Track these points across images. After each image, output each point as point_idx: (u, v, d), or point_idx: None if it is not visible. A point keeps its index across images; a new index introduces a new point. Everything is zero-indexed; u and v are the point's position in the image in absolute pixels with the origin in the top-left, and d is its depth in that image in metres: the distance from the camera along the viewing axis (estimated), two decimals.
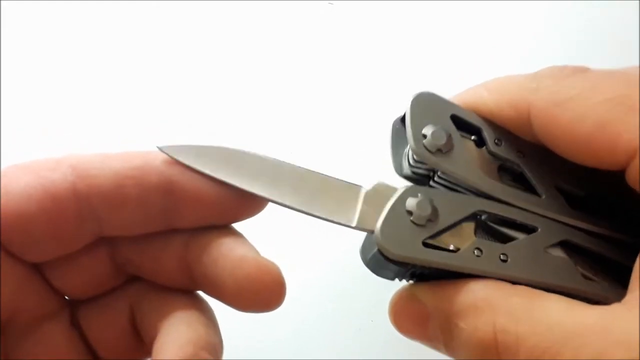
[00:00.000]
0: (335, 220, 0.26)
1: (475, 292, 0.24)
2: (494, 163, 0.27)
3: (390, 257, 0.25)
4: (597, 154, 0.24)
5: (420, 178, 0.27)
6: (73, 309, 0.27)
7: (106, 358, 0.27)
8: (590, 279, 0.25)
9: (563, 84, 0.24)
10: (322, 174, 0.26)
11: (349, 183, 0.26)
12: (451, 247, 0.25)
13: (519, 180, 0.27)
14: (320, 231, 0.39)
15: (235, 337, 0.28)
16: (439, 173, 0.26)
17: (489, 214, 0.26)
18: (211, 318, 0.26)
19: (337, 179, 0.26)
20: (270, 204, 0.26)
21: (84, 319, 0.27)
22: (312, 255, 0.40)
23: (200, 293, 0.27)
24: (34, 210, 0.24)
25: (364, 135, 0.42)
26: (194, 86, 0.45)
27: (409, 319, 0.26)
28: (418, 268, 0.25)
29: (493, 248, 0.25)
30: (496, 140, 0.27)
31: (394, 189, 0.26)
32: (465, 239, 0.25)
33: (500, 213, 0.26)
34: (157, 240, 0.26)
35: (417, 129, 0.26)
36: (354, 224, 0.26)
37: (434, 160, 0.26)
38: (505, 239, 0.26)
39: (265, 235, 0.29)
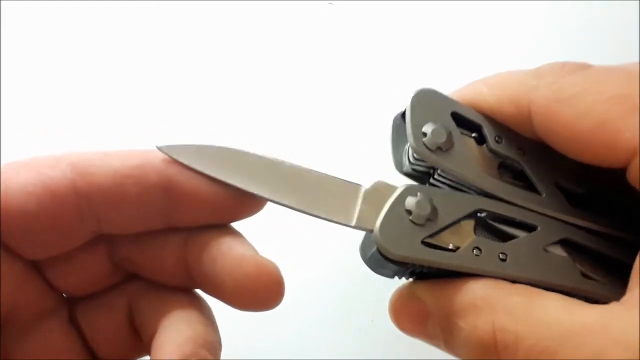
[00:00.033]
0: (334, 219, 0.26)
1: (475, 291, 0.24)
2: (495, 161, 0.27)
3: (390, 256, 0.25)
4: (597, 152, 0.24)
5: (420, 175, 0.27)
6: (71, 306, 0.27)
7: (104, 355, 0.27)
8: (590, 278, 0.25)
9: (564, 81, 0.24)
10: (322, 173, 0.26)
11: (349, 182, 0.26)
12: (450, 246, 0.25)
13: (520, 178, 0.27)
14: (320, 231, 0.39)
15: (234, 337, 0.29)
16: (439, 171, 0.26)
17: (489, 212, 0.26)
18: (210, 316, 0.26)
19: (337, 178, 0.26)
20: (269, 203, 0.26)
21: (82, 316, 0.27)
22: (312, 255, 0.40)
23: (199, 291, 0.27)
24: (34, 207, 0.24)
25: (364, 135, 0.42)
26: (194, 86, 0.45)
27: (409, 317, 0.26)
28: (417, 267, 0.25)
29: (492, 247, 0.25)
30: (496, 138, 0.26)
31: (394, 188, 0.26)
32: (464, 238, 0.25)
33: (500, 211, 0.26)
34: (156, 238, 0.26)
35: (417, 126, 0.26)
36: (353, 223, 0.26)
37: (433, 159, 0.26)
38: (505, 237, 0.26)
39: (265, 235, 0.29)
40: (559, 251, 0.26)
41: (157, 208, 0.25)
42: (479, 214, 0.26)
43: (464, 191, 0.26)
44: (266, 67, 0.46)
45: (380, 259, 0.25)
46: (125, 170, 0.25)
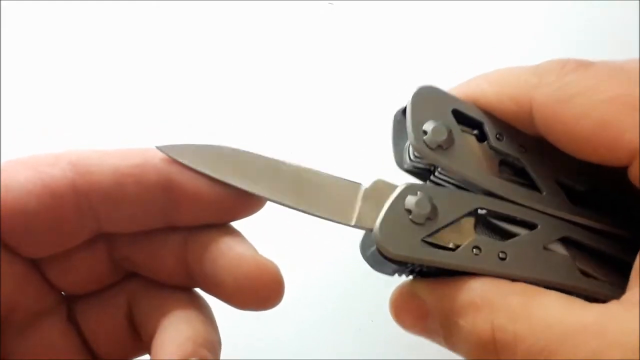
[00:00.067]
0: (333, 218, 0.26)
1: (474, 291, 0.24)
2: (495, 158, 0.27)
3: (389, 256, 0.25)
4: (598, 152, 0.24)
5: (421, 172, 0.27)
6: (70, 305, 0.27)
7: (104, 355, 0.27)
8: (590, 276, 0.25)
9: (566, 80, 0.24)
10: (321, 172, 0.26)
11: (348, 181, 0.26)
12: (450, 245, 0.25)
13: (520, 175, 0.27)
14: (320, 231, 0.39)
15: (234, 336, 0.29)
16: (439, 169, 0.26)
17: (489, 210, 0.26)
18: (209, 316, 0.26)
19: (336, 177, 0.26)
20: (269, 203, 0.26)
21: (81, 315, 0.27)
22: (312, 255, 0.40)
23: (199, 291, 0.27)
24: (33, 206, 0.24)
25: (364, 134, 0.42)
26: (194, 86, 0.45)
27: (409, 314, 0.26)
28: (417, 266, 0.25)
29: (492, 246, 0.25)
30: (497, 135, 0.26)
31: (394, 187, 0.26)
32: (465, 236, 0.25)
33: (500, 210, 0.26)
34: (155, 237, 0.26)
35: (417, 124, 0.26)
36: (352, 223, 0.26)
37: (434, 157, 0.26)
38: (506, 235, 0.26)
39: (265, 235, 0.29)
40: (559, 249, 0.26)
41: (156, 207, 0.25)
42: (479, 211, 0.26)
43: (465, 189, 0.26)
44: (266, 67, 0.46)
45: (379, 258, 0.25)
46: (125, 169, 0.25)
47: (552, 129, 0.25)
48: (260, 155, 0.26)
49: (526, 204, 0.26)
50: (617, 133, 0.23)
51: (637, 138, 0.23)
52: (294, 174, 0.26)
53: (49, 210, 0.24)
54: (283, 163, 0.26)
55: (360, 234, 0.26)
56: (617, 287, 0.24)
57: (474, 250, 0.25)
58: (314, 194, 0.26)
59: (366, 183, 0.26)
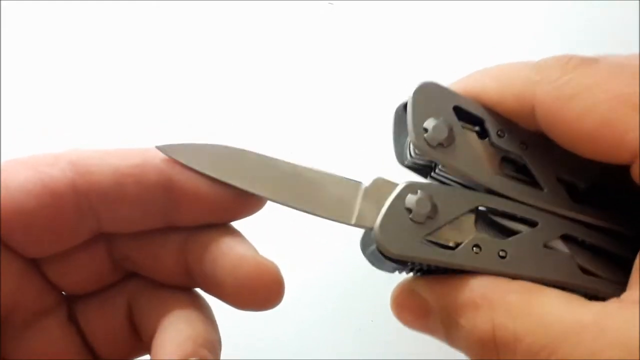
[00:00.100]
0: (334, 217, 0.26)
1: (473, 290, 0.24)
2: (497, 155, 0.26)
3: (389, 255, 0.25)
4: (600, 151, 0.24)
5: (421, 168, 0.27)
6: (70, 304, 0.27)
7: (104, 354, 0.27)
8: (591, 273, 0.25)
9: (569, 77, 0.24)
10: (321, 171, 0.26)
11: (348, 179, 0.26)
12: (450, 244, 0.25)
13: (522, 172, 0.27)
14: (320, 231, 0.39)
15: (234, 336, 0.28)
16: (440, 166, 0.26)
17: (489, 208, 0.26)
18: (209, 315, 0.26)
19: (336, 176, 0.26)
20: (269, 202, 0.26)
21: (81, 314, 0.27)
22: (312, 255, 0.40)
23: (199, 290, 0.27)
24: (33, 205, 0.24)
25: (364, 134, 0.42)
26: (194, 86, 0.45)
27: (411, 312, 0.26)
28: (417, 264, 0.25)
29: (492, 244, 0.25)
30: (499, 132, 0.26)
31: (394, 185, 0.26)
32: (465, 233, 0.25)
33: (501, 208, 0.26)
34: (155, 237, 0.26)
35: (418, 122, 0.25)
36: (353, 222, 0.26)
37: (434, 155, 0.25)
38: (506, 232, 0.26)
39: (265, 235, 0.29)
40: (560, 247, 0.25)
41: (156, 207, 0.25)
42: (479, 209, 0.26)
43: (466, 186, 0.26)
44: (266, 67, 0.46)
45: (379, 257, 0.25)
46: (125, 169, 0.25)
47: (554, 127, 0.25)
48: (260, 155, 0.26)
49: (527, 201, 0.26)
50: (620, 132, 0.23)
51: (639, 137, 0.23)
52: (294, 173, 0.26)
53: (49, 210, 0.24)
54: (283, 162, 0.26)
55: (360, 233, 0.26)
56: (617, 284, 0.24)
57: (474, 248, 0.25)
58: (314, 193, 0.26)
59: (366, 181, 0.26)
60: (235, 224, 0.27)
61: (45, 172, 0.24)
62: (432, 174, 0.27)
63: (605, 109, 0.23)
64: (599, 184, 0.27)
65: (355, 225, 0.26)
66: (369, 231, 0.26)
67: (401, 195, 0.25)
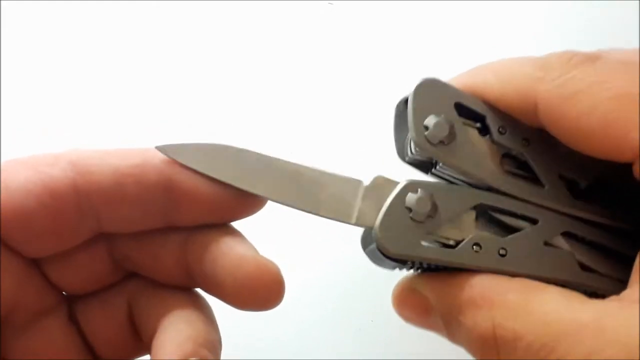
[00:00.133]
0: (334, 217, 0.26)
1: (473, 288, 0.24)
2: (498, 152, 0.26)
3: (389, 254, 0.25)
4: (603, 149, 0.24)
5: (422, 164, 0.27)
6: (71, 304, 0.27)
7: (104, 354, 0.27)
8: (591, 270, 0.25)
9: (571, 75, 0.24)
10: (321, 170, 0.26)
11: (349, 178, 0.26)
12: (451, 242, 0.25)
13: (523, 168, 0.26)
14: (320, 231, 0.39)
15: (235, 336, 0.28)
16: (440, 163, 0.26)
17: (490, 206, 0.26)
18: (210, 315, 0.26)
19: (336, 175, 0.26)
20: (269, 202, 0.26)
21: (81, 314, 0.27)
22: (312, 255, 0.40)
23: (199, 290, 0.27)
24: (33, 206, 0.24)
25: (364, 134, 0.42)
26: (194, 86, 0.45)
27: (412, 310, 0.26)
28: (417, 263, 0.25)
29: (492, 242, 0.25)
30: (500, 129, 0.26)
31: (394, 183, 0.26)
32: (465, 231, 0.25)
33: (502, 205, 0.26)
34: (155, 237, 0.26)
35: (419, 119, 0.25)
36: (353, 221, 0.25)
37: (435, 152, 0.25)
38: (507, 229, 0.26)
39: (265, 235, 0.29)
40: (560, 244, 0.25)
41: (156, 207, 0.25)
42: (481, 205, 0.26)
43: (467, 182, 0.26)
44: (266, 67, 0.45)
45: (379, 255, 0.25)
46: (125, 169, 0.25)
47: (556, 124, 0.24)
48: (260, 155, 0.26)
49: (528, 198, 0.26)
50: (622, 131, 0.23)
51: None
52: (294, 172, 0.26)
53: (49, 210, 0.24)
54: (283, 162, 0.26)
55: (360, 232, 0.26)
56: (618, 281, 0.24)
57: (474, 247, 0.25)
58: (314, 192, 0.26)
59: (366, 180, 0.26)
60: (235, 224, 0.27)
61: (45, 172, 0.24)
62: (433, 170, 0.27)
63: (608, 107, 0.23)
64: (601, 181, 0.26)
65: (356, 224, 0.26)
66: (369, 230, 0.26)
67: (401, 195, 0.25)
